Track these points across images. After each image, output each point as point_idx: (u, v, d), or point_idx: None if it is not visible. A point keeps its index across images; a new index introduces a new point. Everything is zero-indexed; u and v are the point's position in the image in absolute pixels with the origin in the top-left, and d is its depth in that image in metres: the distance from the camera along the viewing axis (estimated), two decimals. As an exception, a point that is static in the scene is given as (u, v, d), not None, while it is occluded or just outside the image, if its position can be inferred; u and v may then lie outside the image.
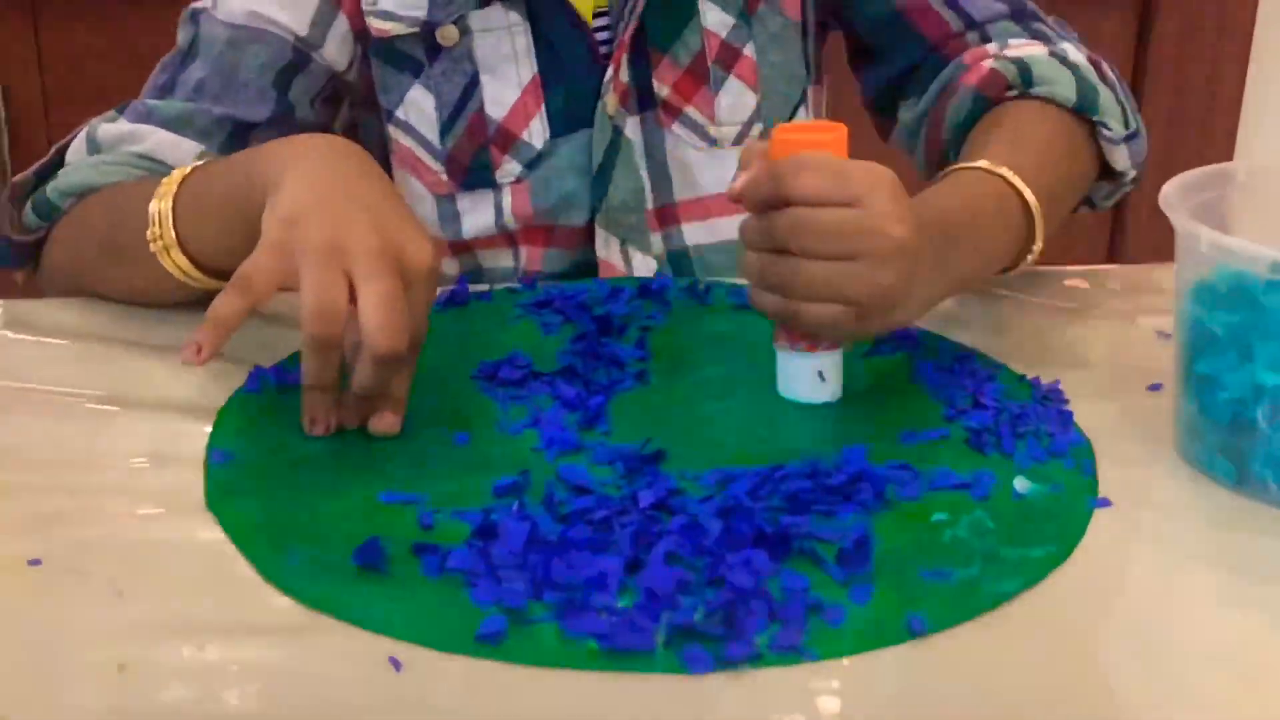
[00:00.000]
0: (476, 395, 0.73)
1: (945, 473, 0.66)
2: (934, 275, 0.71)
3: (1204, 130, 1.82)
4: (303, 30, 0.87)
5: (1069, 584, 0.58)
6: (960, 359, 0.78)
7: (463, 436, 0.69)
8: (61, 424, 0.70)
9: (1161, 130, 1.75)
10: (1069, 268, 0.90)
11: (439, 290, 0.79)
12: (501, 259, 0.93)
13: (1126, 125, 0.86)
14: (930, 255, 0.70)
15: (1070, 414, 0.72)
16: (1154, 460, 0.68)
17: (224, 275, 0.68)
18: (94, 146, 0.85)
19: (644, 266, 0.93)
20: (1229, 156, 0.70)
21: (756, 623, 0.54)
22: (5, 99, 1.68)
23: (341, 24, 0.88)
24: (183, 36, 0.89)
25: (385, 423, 0.68)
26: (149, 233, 0.75)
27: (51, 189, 0.84)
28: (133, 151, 0.84)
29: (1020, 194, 0.78)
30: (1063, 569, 0.59)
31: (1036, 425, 0.70)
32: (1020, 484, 0.65)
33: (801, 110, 0.95)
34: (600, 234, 0.91)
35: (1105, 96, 0.86)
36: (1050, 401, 0.73)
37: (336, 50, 0.88)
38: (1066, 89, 0.85)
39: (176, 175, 0.76)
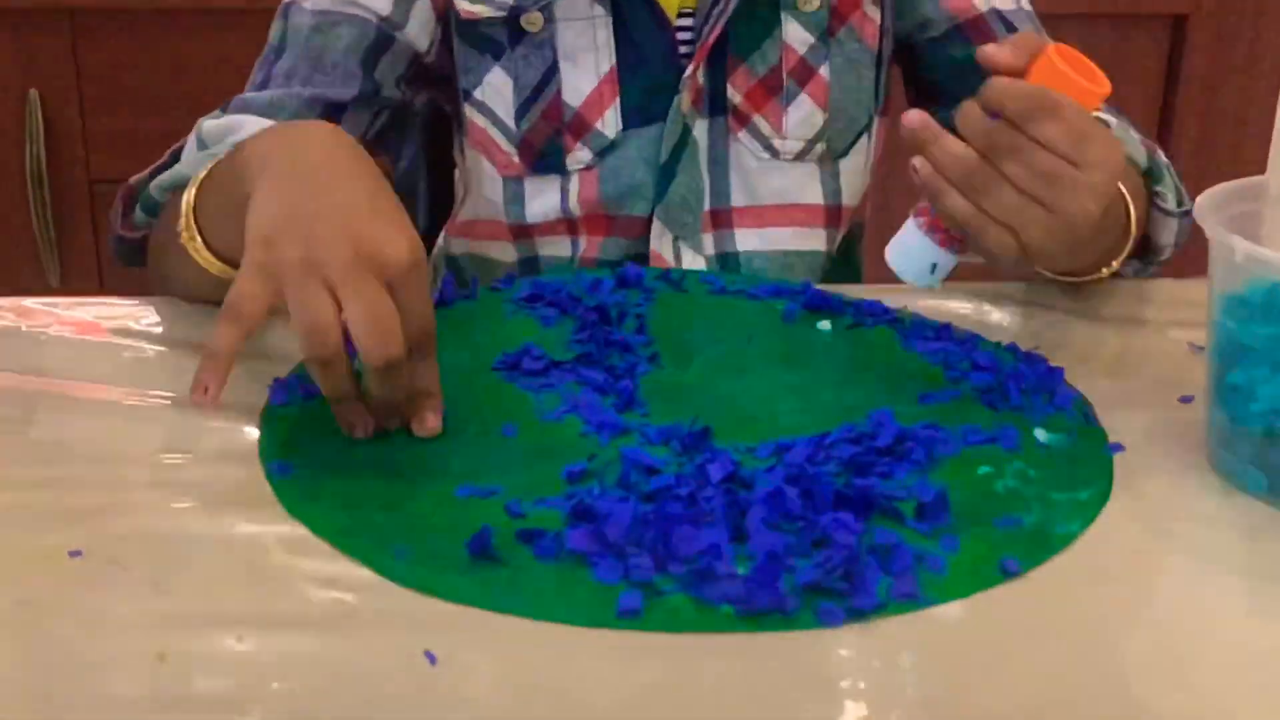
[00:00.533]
0: (505, 387, 0.74)
1: (972, 429, 0.70)
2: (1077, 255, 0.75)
3: (1235, 147, 1.83)
4: (386, 10, 0.89)
5: (1101, 584, 0.60)
6: (939, 330, 0.83)
7: (510, 428, 0.70)
8: (99, 420, 0.70)
9: (1192, 146, 1.79)
10: (1089, 277, 0.89)
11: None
12: (559, 247, 0.94)
13: (1180, 204, 0.88)
14: None
15: (1060, 370, 0.77)
16: (1186, 470, 0.69)
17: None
18: (200, 142, 0.85)
19: (693, 265, 0.94)
20: (1261, 172, 0.73)
21: (873, 575, 0.57)
22: (42, 106, 1.62)
23: (424, 5, 0.91)
24: (274, 33, 0.91)
25: (427, 424, 0.69)
26: (179, 224, 0.75)
27: (154, 185, 0.82)
28: (232, 141, 0.82)
29: (1128, 207, 0.80)
30: (1093, 568, 0.61)
31: (1034, 383, 0.76)
32: (1041, 434, 0.71)
33: (864, 138, 0.97)
34: (657, 227, 0.93)
35: (1167, 170, 0.88)
36: (1035, 363, 0.79)
37: (419, 30, 0.91)
38: (1136, 152, 0.86)
39: (210, 164, 0.76)
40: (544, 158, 0.92)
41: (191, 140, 0.86)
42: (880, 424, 0.70)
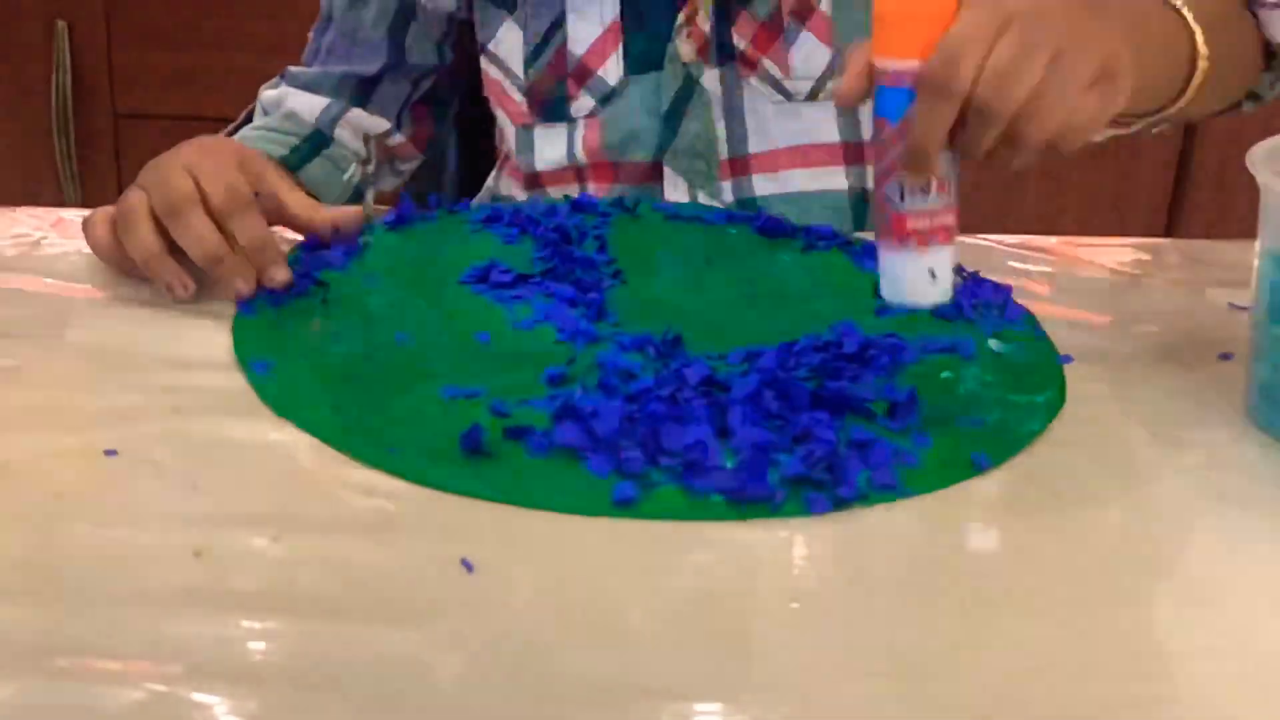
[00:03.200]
0: (475, 298, 0.76)
1: (929, 339, 0.73)
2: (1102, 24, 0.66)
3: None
4: None
5: (1138, 526, 0.61)
6: (888, 249, 0.86)
7: (484, 335, 0.71)
8: (133, 327, 0.71)
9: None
10: (1128, 240, 0.92)
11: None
12: (569, 193, 0.95)
13: None
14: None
15: (1007, 288, 0.81)
16: (1225, 424, 0.68)
17: None
18: (261, 110, 0.96)
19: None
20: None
21: (855, 468, 0.60)
22: (70, 37, 1.58)
23: None
24: (323, 1, 0.97)
25: (275, 278, 0.74)
26: None
27: None
28: (282, 113, 0.93)
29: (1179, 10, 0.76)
30: (1135, 510, 0.61)
31: (983, 300, 0.79)
32: (994, 344, 0.74)
33: None
34: (668, 173, 0.94)
35: None
36: (982, 282, 0.82)
37: None
38: None
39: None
40: (550, 106, 0.94)
41: (255, 107, 0.95)
42: (845, 334, 0.72)
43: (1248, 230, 0.71)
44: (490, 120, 1.01)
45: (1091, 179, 1.82)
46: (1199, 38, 0.77)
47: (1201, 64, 0.77)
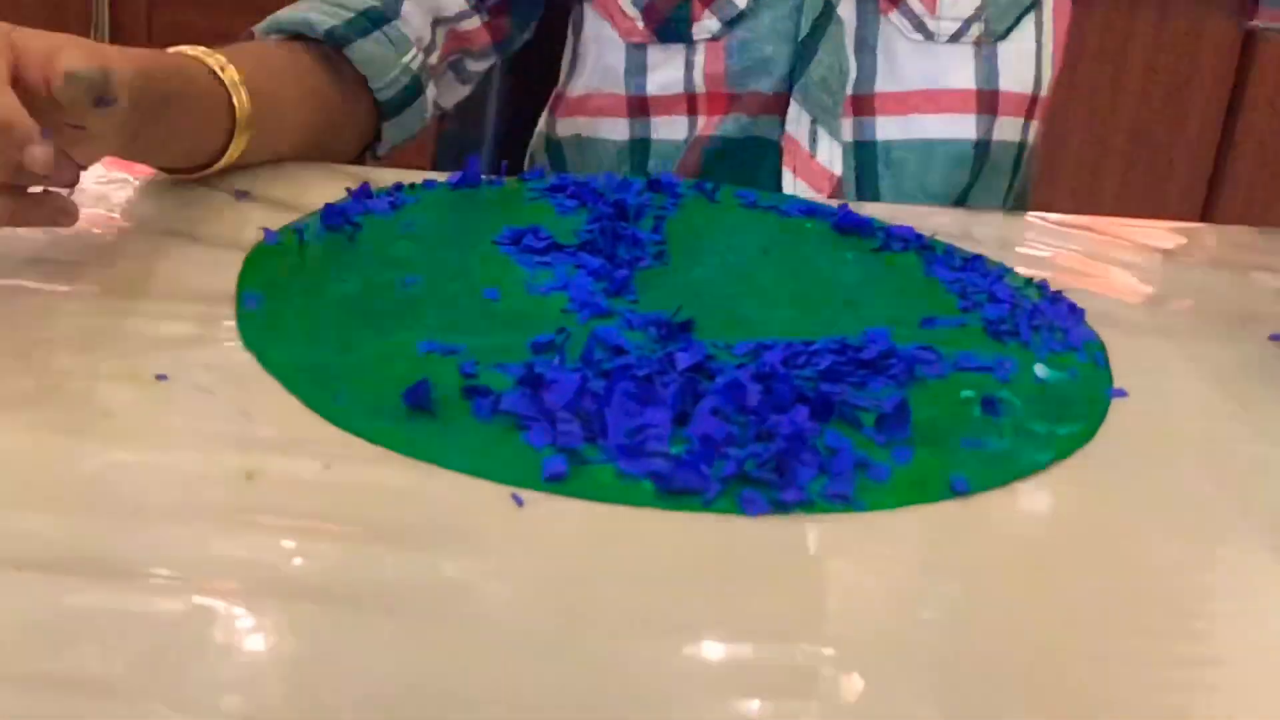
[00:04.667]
0: (501, 258, 0.74)
1: (968, 356, 0.67)
2: None
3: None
4: None
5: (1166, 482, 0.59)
6: (969, 260, 0.80)
7: (492, 291, 0.69)
8: (181, 261, 0.71)
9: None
10: (1167, 223, 0.92)
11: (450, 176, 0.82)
12: (674, 128, 0.91)
13: None
14: None
15: (1082, 311, 0.74)
16: (1268, 401, 0.67)
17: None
18: None
19: (828, 152, 0.90)
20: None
21: (807, 472, 0.55)
22: None
23: None
24: None
25: (62, 215, 0.67)
26: None
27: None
28: None
29: None
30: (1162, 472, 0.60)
31: (1050, 320, 0.72)
32: (1040, 370, 0.67)
33: (1028, 19, 0.91)
34: (794, 108, 0.89)
35: None
36: (1059, 301, 0.75)
37: None
38: None
39: None
40: (670, 25, 0.88)
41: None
42: (872, 340, 0.67)
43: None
44: (538, 71, 0.96)
45: (1128, 166, 1.77)
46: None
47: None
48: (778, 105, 0.89)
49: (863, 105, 0.90)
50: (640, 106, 0.91)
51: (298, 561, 0.48)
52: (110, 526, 0.49)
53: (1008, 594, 0.51)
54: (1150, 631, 0.49)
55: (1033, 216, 0.90)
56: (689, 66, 0.89)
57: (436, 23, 0.91)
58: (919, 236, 0.82)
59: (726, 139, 0.90)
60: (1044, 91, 0.95)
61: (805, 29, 0.87)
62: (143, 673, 0.42)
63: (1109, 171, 1.98)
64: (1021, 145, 0.97)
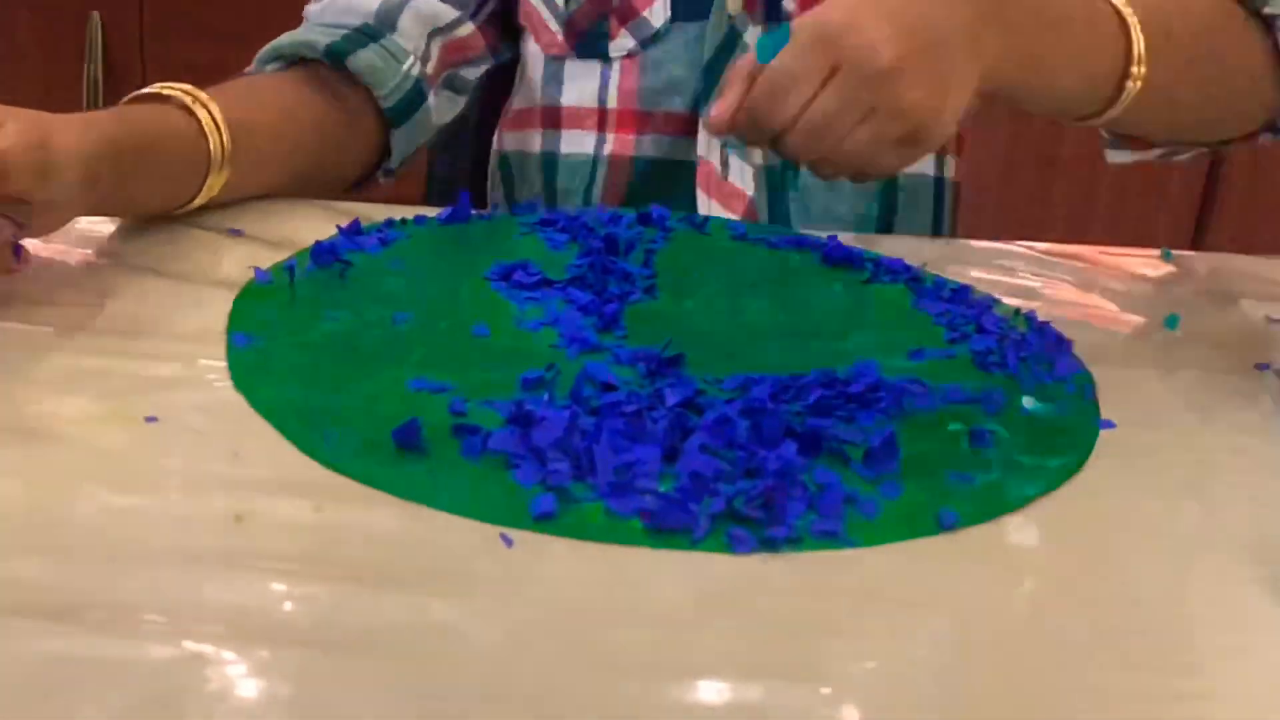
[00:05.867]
0: (491, 294, 0.74)
1: (955, 388, 0.67)
2: (964, 61, 0.71)
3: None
4: None
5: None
6: (956, 292, 0.80)
7: (482, 328, 0.69)
8: (172, 301, 0.71)
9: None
10: (1156, 251, 0.92)
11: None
12: (582, 143, 0.93)
13: None
14: (959, 40, 0.70)
15: (1069, 342, 0.74)
16: (1256, 430, 0.68)
17: None
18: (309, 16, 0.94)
19: (740, 173, 0.92)
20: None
21: (796, 509, 0.55)
22: (103, 29, 1.67)
23: None
24: None
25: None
26: None
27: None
28: (339, 6, 0.90)
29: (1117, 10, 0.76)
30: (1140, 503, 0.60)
31: (1037, 351, 0.73)
32: (1028, 402, 0.68)
33: None
34: (702, 131, 0.91)
35: None
36: (1046, 333, 0.76)
37: None
38: None
39: None
40: (588, 41, 0.91)
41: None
42: (860, 373, 0.67)
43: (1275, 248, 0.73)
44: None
45: (1119, 193, 1.78)
46: (1138, 46, 0.75)
47: (1137, 70, 0.76)
48: (689, 126, 0.92)
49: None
50: (553, 119, 0.94)
51: (288, 606, 0.48)
52: (100, 571, 0.49)
53: (998, 629, 0.51)
54: (1141, 665, 0.49)
55: (1020, 246, 0.90)
56: (604, 83, 0.92)
57: (432, 35, 0.92)
58: (908, 268, 0.82)
59: (650, 160, 0.93)
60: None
61: (709, 52, 0.90)
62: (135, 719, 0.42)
63: (1099, 199, 1.98)
64: (939, 181, 0.98)
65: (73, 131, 0.68)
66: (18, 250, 0.69)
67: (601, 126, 0.93)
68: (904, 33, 0.68)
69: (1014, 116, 1.91)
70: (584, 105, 0.92)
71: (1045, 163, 2.05)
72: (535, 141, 0.95)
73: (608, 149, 0.93)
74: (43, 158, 0.65)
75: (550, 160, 0.95)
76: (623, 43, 0.91)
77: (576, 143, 0.94)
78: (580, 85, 0.92)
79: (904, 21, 0.68)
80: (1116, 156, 0.92)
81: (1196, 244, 1.90)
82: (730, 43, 0.90)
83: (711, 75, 0.90)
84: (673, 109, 0.92)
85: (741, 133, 0.73)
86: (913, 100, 0.68)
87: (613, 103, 0.91)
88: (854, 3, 0.69)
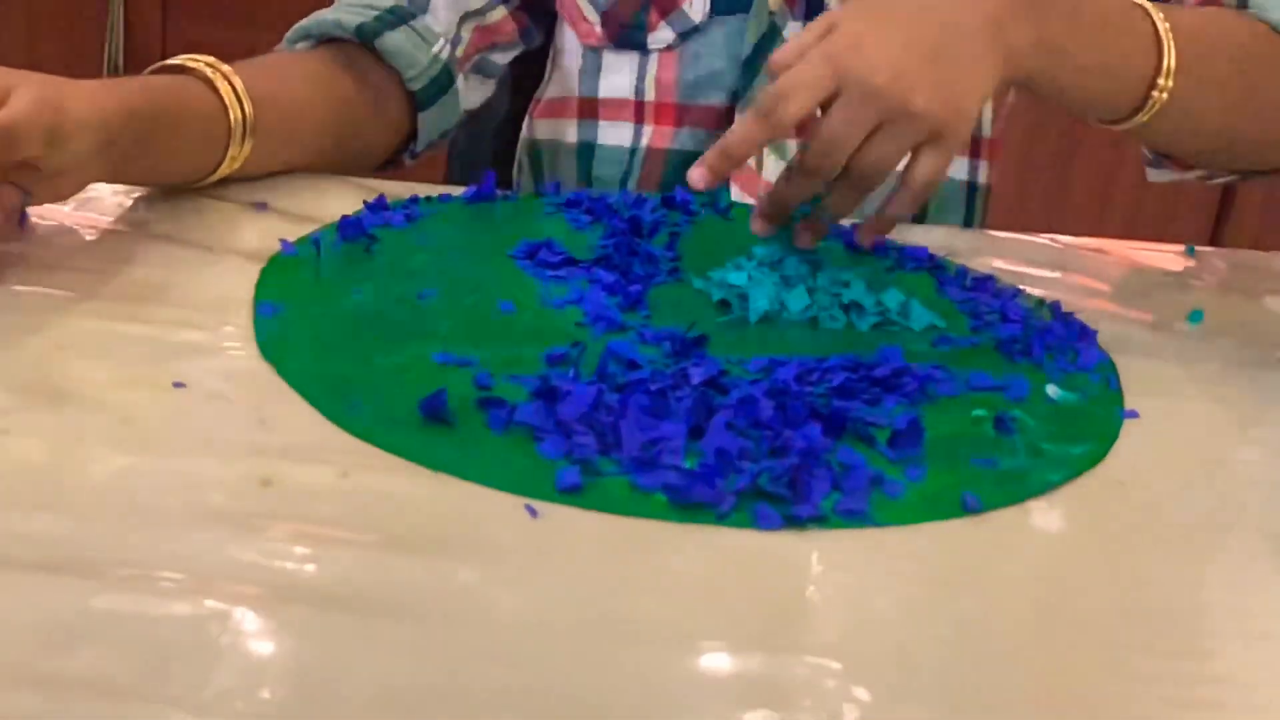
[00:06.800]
0: (516, 271, 0.74)
1: (980, 375, 0.67)
2: (984, 52, 0.71)
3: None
4: None
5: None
6: (980, 280, 0.80)
7: (507, 304, 0.69)
8: (195, 269, 0.71)
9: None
10: (1178, 246, 0.93)
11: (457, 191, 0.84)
12: (620, 134, 0.93)
13: None
14: (973, 36, 0.71)
15: (1094, 332, 0.74)
16: (1277, 421, 0.68)
17: None
18: None
19: (774, 168, 0.92)
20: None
21: (821, 488, 0.55)
22: (125, 11, 1.67)
23: None
24: None
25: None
26: None
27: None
28: None
29: (1151, 16, 0.77)
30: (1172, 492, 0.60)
31: (1062, 341, 0.72)
32: (1052, 390, 0.68)
33: None
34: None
35: None
36: (1070, 323, 0.75)
37: None
38: (1275, 12, 0.83)
39: None
40: (626, 32, 0.91)
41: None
42: (885, 358, 0.67)
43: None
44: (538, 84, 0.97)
45: (1137, 193, 1.78)
46: (1169, 59, 0.76)
47: (1164, 81, 0.77)
48: (726, 119, 0.92)
49: (808, 126, 0.93)
50: (590, 109, 0.94)
51: (311, 568, 0.48)
52: (126, 530, 0.49)
53: (1018, 610, 0.51)
54: (1158, 649, 0.49)
55: (1044, 239, 0.90)
56: (641, 75, 0.91)
57: (464, 18, 0.92)
58: (931, 257, 0.82)
59: (684, 151, 0.92)
60: (986, 132, 0.97)
61: (749, 48, 0.89)
62: (155, 674, 0.42)
63: (1118, 196, 1.98)
64: (972, 185, 0.98)
65: (89, 97, 0.68)
66: (23, 219, 0.69)
67: (639, 118, 0.93)
68: (906, 46, 0.69)
69: (1033, 114, 1.91)
70: (621, 96, 0.92)
71: (1063, 161, 2.05)
72: (570, 131, 0.95)
73: (645, 141, 0.93)
74: (55, 123, 0.65)
75: (587, 150, 0.95)
76: (662, 35, 0.90)
77: (614, 134, 0.94)
78: (617, 76, 0.92)
79: (910, 35, 0.69)
80: (1157, 175, 0.93)
81: (1216, 241, 1.90)
82: (771, 37, 0.90)
83: (751, 69, 0.90)
84: (710, 102, 0.92)
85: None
86: (921, 105, 0.68)
87: (650, 95, 0.91)
88: (864, 17, 0.69)
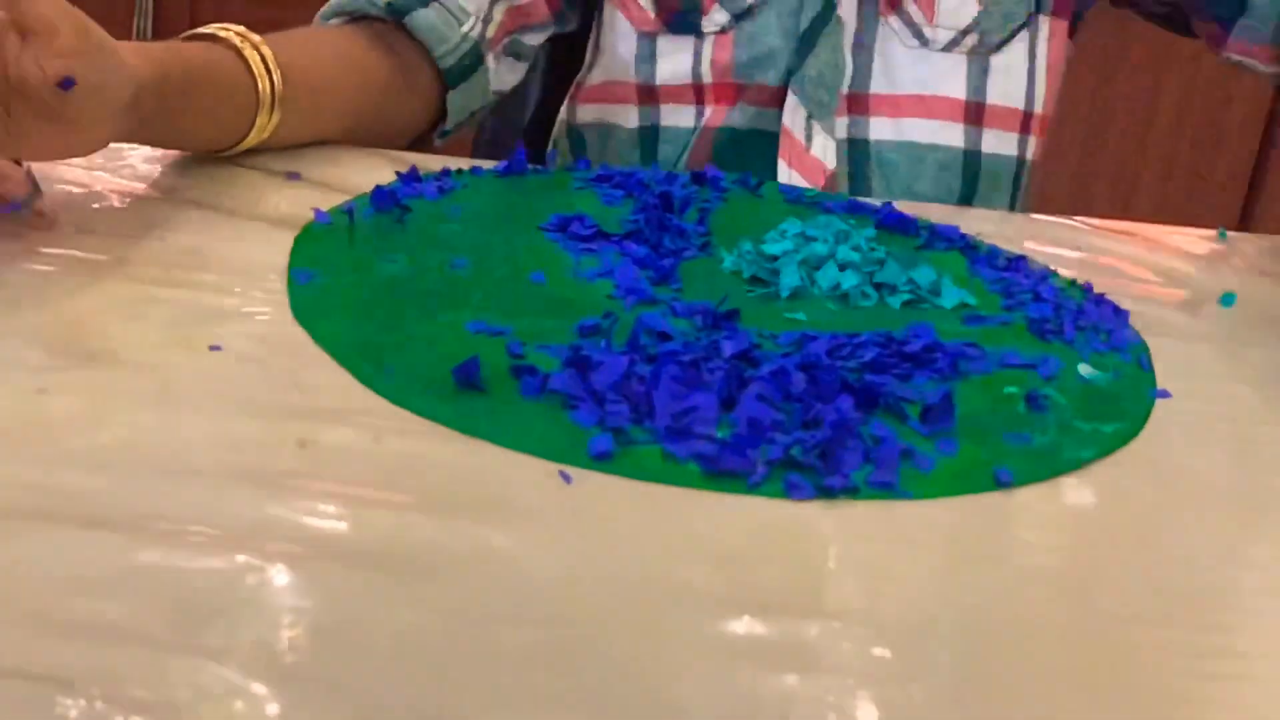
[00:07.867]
0: (547, 244, 0.74)
1: (1012, 353, 0.67)
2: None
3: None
4: None
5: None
6: (1013, 261, 0.80)
7: (539, 275, 0.70)
8: (232, 237, 0.72)
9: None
10: (1207, 230, 0.93)
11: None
12: (682, 116, 0.93)
13: None
14: None
15: (1126, 313, 0.74)
16: None
17: None
18: None
19: (822, 146, 0.92)
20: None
21: (852, 460, 0.55)
22: None
23: None
24: None
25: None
26: None
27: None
28: None
29: None
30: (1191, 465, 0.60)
31: (1094, 321, 0.72)
32: (1084, 369, 0.67)
33: (1023, 35, 0.93)
34: (791, 100, 0.91)
35: None
36: (1103, 304, 0.75)
37: None
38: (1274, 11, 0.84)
39: None
40: (681, 16, 0.91)
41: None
42: (916, 334, 0.67)
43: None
44: (575, 66, 0.97)
45: (1164, 176, 1.78)
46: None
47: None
48: (780, 98, 0.91)
49: (857, 104, 0.93)
50: (650, 94, 0.94)
51: (344, 525, 0.48)
52: (163, 487, 0.49)
53: (1045, 582, 0.51)
54: (1184, 623, 0.49)
55: (1076, 221, 0.90)
56: (697, 57, 0.92)
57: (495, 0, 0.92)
58: (963, 236, 0.82)
59: (734, 129, 0.93)
60: (1039, 108, 0.97)
61: (805, 24, 0.89)
62: (189, 626, 0.42)
63: (1146, 180, 1.97)
64: (1020, 161, 0.98)
65: (122, 48, 0.67)
66: (33, 199, 0.69)
67: (699, 99, 0.93)
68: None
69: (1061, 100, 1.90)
70: (678, 81, 0.92)
71: (1090, 146, 2.04)
72: (627, 116, 0.95)
73: (706, 119, 0.93)
74: (87, 25, 0.63)
75: (651, 132, 0.95)
76: (716, 17, 0.91)
77: (676, 116, 0.94)
78: (674, 60, 0.92)
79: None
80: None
81: (1244, 226, 1.90)
82: (825, 16, 0.90)
83: (806, 46, 0.90)
84: (765, 81, 0.92)
85: None
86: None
87: (707, 78, 0.92)
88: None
